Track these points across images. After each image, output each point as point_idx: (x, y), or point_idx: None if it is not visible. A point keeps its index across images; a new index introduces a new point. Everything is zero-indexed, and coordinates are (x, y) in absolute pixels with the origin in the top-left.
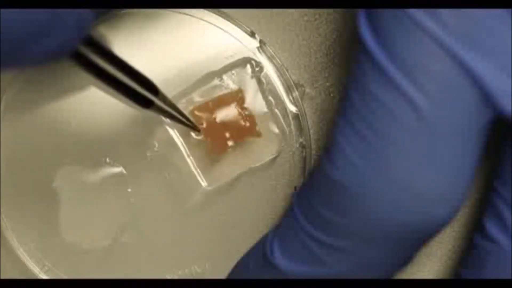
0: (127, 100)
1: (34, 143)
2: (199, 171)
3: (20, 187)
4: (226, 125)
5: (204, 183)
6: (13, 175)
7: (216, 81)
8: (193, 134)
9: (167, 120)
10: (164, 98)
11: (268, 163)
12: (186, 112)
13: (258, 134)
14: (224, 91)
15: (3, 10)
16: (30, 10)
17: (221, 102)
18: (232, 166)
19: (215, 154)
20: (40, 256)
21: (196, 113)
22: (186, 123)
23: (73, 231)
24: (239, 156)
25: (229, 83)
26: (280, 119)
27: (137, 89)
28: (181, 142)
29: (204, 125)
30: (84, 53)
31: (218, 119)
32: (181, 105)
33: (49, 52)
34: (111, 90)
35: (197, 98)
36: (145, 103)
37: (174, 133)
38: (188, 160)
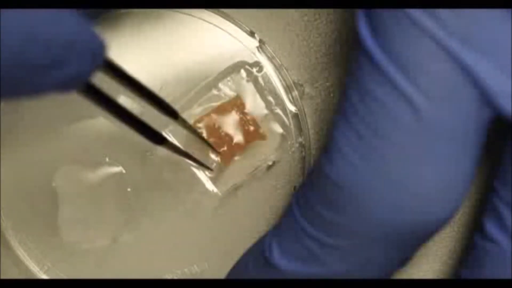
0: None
1: (34, 143)
2: (206, 177)
3: (20, 187)
4: (230, 133)
5: (213, 189)
6: (13, 175)
7: (213, 91)
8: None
9: (167, 133)
10: (183, 122)
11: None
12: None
13: (263, 137)
14: (223, 100)
15: (11, 39)
16: (45, 41)
17: (222, 111)
18: (239, 169)
19: (223, 163)
20: (40, 256)
21: (199, 125)
22: (201, 162)
23: (73, 231)
24: (245, 159)
25: (226, 90)
26: (282, 118)
27: (148, 124)
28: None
29: (208, 137)
30: (94, 85)
31: (221, 129)
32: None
33: (60, 84)
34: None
35: (197, 110)
36: (158, 140)
37: (176, 142)
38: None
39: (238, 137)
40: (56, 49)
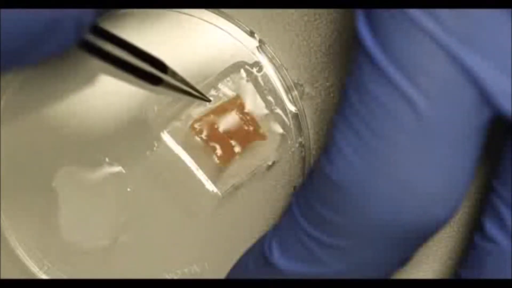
0: (138, 80)
1: (34, 143)
2: (206, 177)
3: (20, 187)
4: (230, 133)
5: (213, 189)
6: (13, 175)
7: (213, 91)
8: (197, 138)
9: (166, 134)
10: (173, 74)
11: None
12: (186, 126)
13: (263, 137)
14: (223, 100)
15: (4, 18)
16: (30, 17)
17: (221, 111)
18: (238, 169)
19: (223, 164)
20: (40, 256)
21: (197, 126)
22: (197, 95)
23: (73, 231)
24: (245, 159)
25: (226, 90)
26: (282, 117)
27: (145, 68)
28: (183, 151)
29: (207, 137)
30: (93, 42)
31: (221, 128)
32: (180, 120)
33: (48, 55)
34: (122, 74)
35: (197, 110)
36: (155, 81)
37: (175, 143)
38: (192, 165)
39: (237, 137)
40: (42, 27)
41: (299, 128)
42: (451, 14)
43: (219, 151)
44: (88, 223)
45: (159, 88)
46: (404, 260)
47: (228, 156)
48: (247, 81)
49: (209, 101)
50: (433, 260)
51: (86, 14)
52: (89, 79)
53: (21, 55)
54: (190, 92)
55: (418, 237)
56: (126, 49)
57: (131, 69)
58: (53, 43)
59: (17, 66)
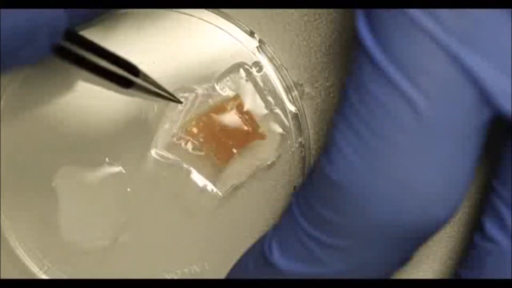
0: (110, 83)
1: (34, 143)
2: (206, 177)
3: (20, 187)
4: (228, 132)
5: (213, 189)
6: (13, 175)
7: (212, 91)
8: (191, 144)
9: (156, 152)
10: (145, 77)
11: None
12: (185, 127)
13: (262, 136)
14: (222, 99)
15: (4, 19)
16: (28, 16)
17: (220, 110)
18: (238, 169)
19: (222, 164)
20: (40, 256)
21: (195, 126)
22: (169, 97)
23: (73, 231)
24: (245, 159)
25: (225, 90)
26: (282, 117)
27: (116, 71)
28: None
29: (205, 137)
30: (66, 47)
31: (219, 128)
32: (179, 121)
33: (29, 59)
34: (95, 78)
35: (196, 110)
36: (126, 84)
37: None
38: (191, 165)
39: (235, 137)
40: (19, 36)
41: (299, 128)
42: (451, 14)
43: (217, 151)
44: (88, 223)
45: (130, 91)
46: (404, 260)
47: (227, 156)
48: (247, 81)
49: (180, 103)
50: (433, 260)
51: (60, 17)
52: (89, 79)
53: (19, 55)
54: (162, 94)
55: (418, 237)
56: (96, 52)
57: (101, 71)
58: (32, 49)
59: (16, 66)
